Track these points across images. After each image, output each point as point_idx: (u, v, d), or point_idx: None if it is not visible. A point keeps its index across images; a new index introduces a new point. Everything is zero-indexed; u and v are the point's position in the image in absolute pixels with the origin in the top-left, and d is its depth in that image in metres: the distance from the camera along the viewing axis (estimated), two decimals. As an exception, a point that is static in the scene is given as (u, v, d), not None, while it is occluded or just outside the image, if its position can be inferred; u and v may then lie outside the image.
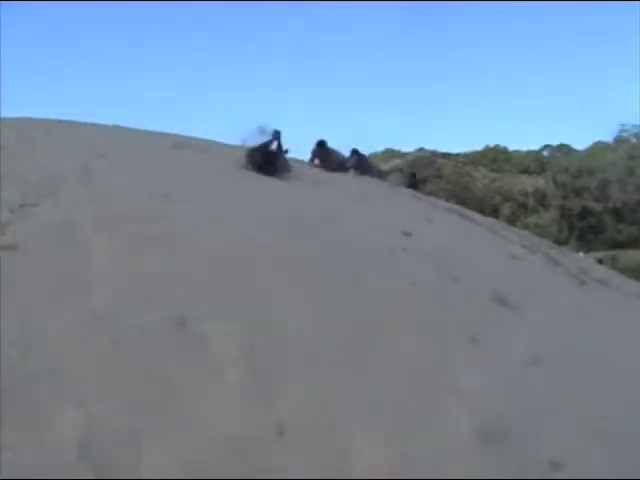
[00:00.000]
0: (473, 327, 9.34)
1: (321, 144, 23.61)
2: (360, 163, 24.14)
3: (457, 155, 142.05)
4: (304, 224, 11.89)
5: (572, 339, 10.45)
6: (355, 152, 24.42)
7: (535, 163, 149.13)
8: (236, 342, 6.85)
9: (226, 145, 21.30)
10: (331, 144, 23.67)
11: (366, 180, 22.65)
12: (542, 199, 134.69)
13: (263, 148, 17.38)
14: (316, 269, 9.71)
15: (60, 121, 25.17)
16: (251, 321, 7.43)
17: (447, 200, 33.87)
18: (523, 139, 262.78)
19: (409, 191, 26.87)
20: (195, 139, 21.27)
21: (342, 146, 24.51)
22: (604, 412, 8.04)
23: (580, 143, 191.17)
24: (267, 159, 16.96)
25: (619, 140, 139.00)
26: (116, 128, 24.79)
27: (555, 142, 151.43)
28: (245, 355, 6.67)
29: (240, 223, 11.04)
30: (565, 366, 9.10)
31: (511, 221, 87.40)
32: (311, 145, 23.98)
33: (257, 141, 17.78)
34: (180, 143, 18.01)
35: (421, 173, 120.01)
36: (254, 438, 5.58)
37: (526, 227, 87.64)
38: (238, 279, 8.59)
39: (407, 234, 13.33)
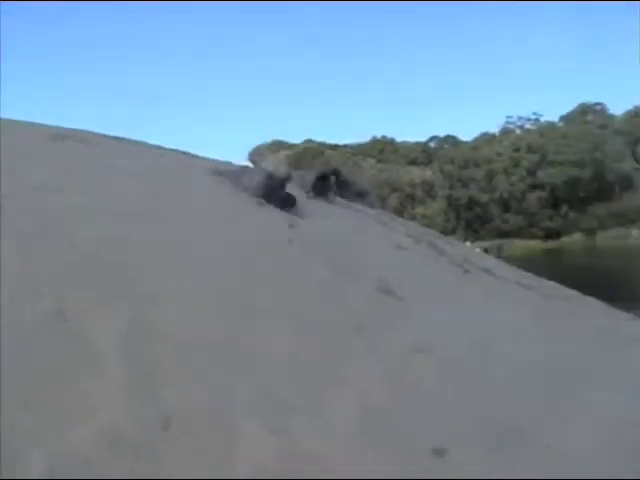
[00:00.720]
0: (359, 317, 9.49)
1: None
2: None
3: (345, 146, 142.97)
4: (193, 218, 11.85)
5: (456, 328, 10.70)
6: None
7: (422, 154, 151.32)
8: (119, 336, 6.79)
9: (104, 135, 20.89)
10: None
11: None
12: (429, 190, 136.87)
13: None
14: (202, 261, 9.70)
15: None
16: (134, 315, 7.37)
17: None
18: (410, 130, 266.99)
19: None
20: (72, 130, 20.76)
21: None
22: (488, 399, 8.28)
23: (467, 134, 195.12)
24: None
25: (505, 131, 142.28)
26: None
27: (442, 133, 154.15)
28: (128, 349, 6.62)
29: (124, 217, 10.92)
30: (449, 354, 9.34)
31: (399, 212, 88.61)
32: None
33: None
34: (57, 135, 17.62)
35: (309, 165, 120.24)
36: (139, 432, 5.57)
37: (414, 218, 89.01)
38: (121, 273, 8.51)
39: (292, 225, 13.42)
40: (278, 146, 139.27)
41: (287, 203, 15.67)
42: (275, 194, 15.59)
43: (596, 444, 7.88)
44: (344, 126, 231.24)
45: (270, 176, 16.04)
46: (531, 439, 7.42)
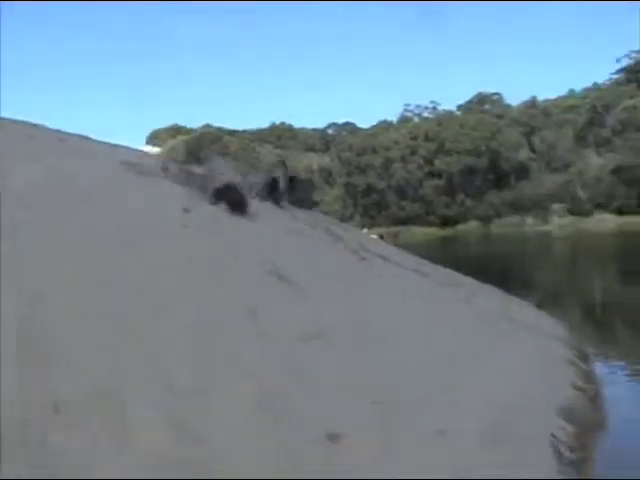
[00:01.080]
0: (252, 301, 9.52)
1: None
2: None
3: (244, 132, 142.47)
4: (81, 200, 11.67)
5: (351, 313, 10.84)
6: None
7: (320, 141, 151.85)
8: (9, 319, 6.67)
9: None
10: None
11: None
12: (327, 176, 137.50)
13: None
14: (96, 243, 9.58)
15: None
16: (25, 296, 7.25)
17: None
18: (309, 117, 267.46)
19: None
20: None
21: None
22: (383, 383, 8.43)
23: (365, 122, 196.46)
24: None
25: (403, 119, 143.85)
26: None
27: (340, 120, 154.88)
28: (20, 333, 6.51)
29: (22, 201, 10.70)
30: (344, 339, 9.44)
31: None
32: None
33: None
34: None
35: (207, 150, 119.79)
36: (30, 416, 5.50)
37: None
38: (11, 253, 8.35)
39: (187, 210, 13.39)
40: (176, 130, 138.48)
41: (239, 206, 15.73)
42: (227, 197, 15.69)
43: (483, 429, 8.13)
44: (243, 112, 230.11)
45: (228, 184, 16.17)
46: (422, 424, 7.61)
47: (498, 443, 7.70)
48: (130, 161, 15.76)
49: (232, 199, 15.43)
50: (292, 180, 22.10)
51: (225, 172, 17.20)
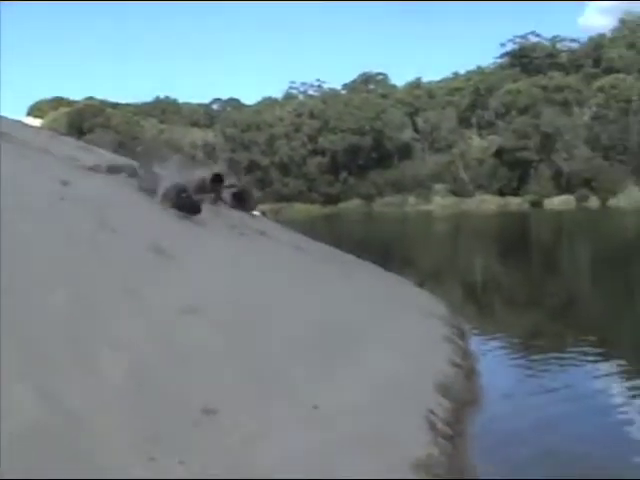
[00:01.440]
0: (129, 277, 9.35)
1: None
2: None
3: (128, 105, 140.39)
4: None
5: (229, 288, 10.78)
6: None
7: (205, 116, 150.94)
8: None
9: None
10: None
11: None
12: (211, 152, 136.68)
13: None
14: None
15: None
16: None
17: (115, 151, 33.36)
18: (193, 92, 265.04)
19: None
20: None
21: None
22: (260, 359, 8.39)
23: (250, 98, 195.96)
24: None
25: (288, 97, 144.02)
26: None
27: (225, 96, 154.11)
28: None
29: None
30: (222, 314, 9.38)
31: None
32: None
33: None
34: None
35: (89, 122, 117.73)
36: None
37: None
38: None
39: (65, 183, 13.04)
40: (58, 102, 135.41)
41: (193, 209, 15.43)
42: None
43: (359, 404, 8.17)
44: (128, 85, 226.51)
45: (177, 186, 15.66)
46: (297, 399, 7.60)
47: (373, 418, 7.75)
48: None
49: (185, 204, 15.05)
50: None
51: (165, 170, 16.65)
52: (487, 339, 15.55)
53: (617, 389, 11.98)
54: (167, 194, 15.43)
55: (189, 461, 5.54)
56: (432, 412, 8.82)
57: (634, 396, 11.59)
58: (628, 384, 12.34)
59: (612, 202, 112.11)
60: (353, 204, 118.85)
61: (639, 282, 27.13)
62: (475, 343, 14.80)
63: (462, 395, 10.30)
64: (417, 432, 8.02)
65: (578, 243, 50.75)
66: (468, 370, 11.93)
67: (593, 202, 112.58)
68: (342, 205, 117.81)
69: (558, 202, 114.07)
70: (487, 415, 10.17)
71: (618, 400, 11.42)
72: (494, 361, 13.69)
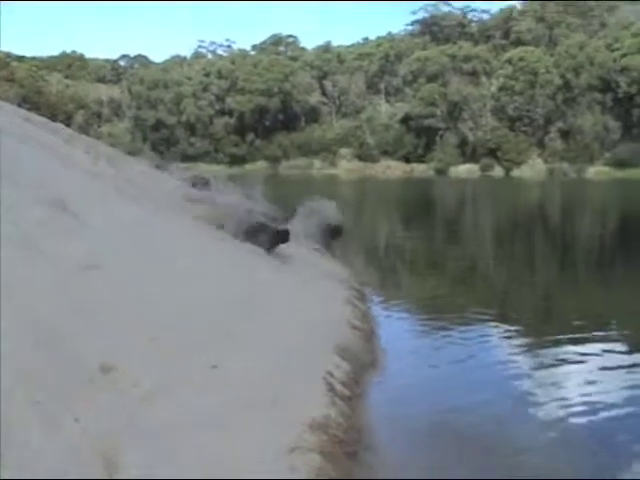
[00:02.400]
0: (29, 232, 9.15)
1: None
2: None
3: (33, 59, 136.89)
4: None
5: (132, 246, 10.67)
6: None
7: (112, 72, 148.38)
8: None
9: None
10: None
11: None
12: (117, 109, 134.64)
13: None
14: None
15: None
16: None
17: (19, 105, 32.59)
18: (100, 47, 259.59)
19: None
20: None
21: None
22: (161, 318, 8.35)
23: (158, 56, 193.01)
24: None
25: (196, 56, 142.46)
26: None
27: (133, 53, 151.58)
28: None
29: None
30: (124, 271, 9.28)
31: (84, 129, 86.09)
32: None
33: None
34: None
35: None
36: None
37: (99, 136, 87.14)
38: None
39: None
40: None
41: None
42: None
43: (259, 365, 8.21)
44: (33, 38, 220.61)
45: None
46: (197, 359, 7.60)
47: (272, 379, 7.81)
48: None
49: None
50: None
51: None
52: (388, 303, 15.76)
53: (512, 349, 12.34)
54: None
55: (84, 418, 5.49)
56: (330, 374, 8.90)
57: (523, 352, 12.03)
58: (521, 342, 12.75)
59: (516, 172, 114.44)
60: (259, 166, 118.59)
61: (539, 248, 27.89)
62: (376, 307, 14.98)
63: (361, 357, 10.47)
64: (315, 394, 8.09)
65: (481, 210, 51.69)
66: (368, 333, 12.13)
67: (497, 171, 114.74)
68: (248, 166, 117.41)
69: (463, 170, 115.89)
70: (385, 377, 10.34)
71: (511, 358, 11.80)
72: (395, 324, 13.93)
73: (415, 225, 37.19)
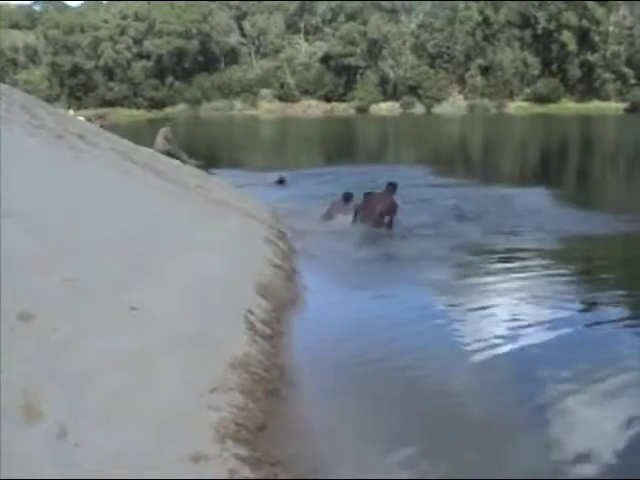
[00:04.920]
0: None
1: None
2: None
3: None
4: None
5: (45, 191, 10.43)
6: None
7: (26, 17, 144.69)
8: None
9: None
10: None
11: None
12: (33, 55, 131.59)
13: None
14: None
15: None
16: None
17: None
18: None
19: None
20: None
21: None
22: (77, 262, 8.19)
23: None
24: None
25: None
26: None
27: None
28: None
29: None
30: (38, 217, 9.07)
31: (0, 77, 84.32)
32: None
33: None
34: None
35: None
36: None
37: (16, 84, 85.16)
38: None
39: None
40: None
41: None
42: None
43: (178, 305, 8.13)
44: None
45: None
46: (115, 301, 7.47)
47: (192, 320, 7.76)
48: None
49: None
50: None
51: None
52: (309, 240, 15.69)
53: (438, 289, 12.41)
54: None
55: (6, 369, 5.37)
56: (251, 312, 8.85)
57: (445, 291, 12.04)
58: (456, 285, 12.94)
59: (437, 109, 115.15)
60: (179, 109, 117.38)
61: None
62: (298, 245, 14.94)
63: (281, 295, 10.46)
64: (236, 333, 8.04)
65: (403, 146, 52.03)
66: (288, 271, 12.09)
67: (418, 109, 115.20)
68: (168, 110, 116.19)
69: (384, 108, 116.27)
70: (307, 314, 10.34)
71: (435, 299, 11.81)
72: (317, 262, 13.88)
73: (337, 162, 37.28)
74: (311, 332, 9.68)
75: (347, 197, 18.82)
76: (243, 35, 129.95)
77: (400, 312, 10.84)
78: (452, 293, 11.90)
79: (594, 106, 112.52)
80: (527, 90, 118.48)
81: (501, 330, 9.81)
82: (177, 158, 22.29)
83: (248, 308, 8.96)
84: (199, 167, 22.63)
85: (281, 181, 27.22)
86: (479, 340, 9.44)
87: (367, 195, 18.22)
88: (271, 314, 9.43)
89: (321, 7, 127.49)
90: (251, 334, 8.22)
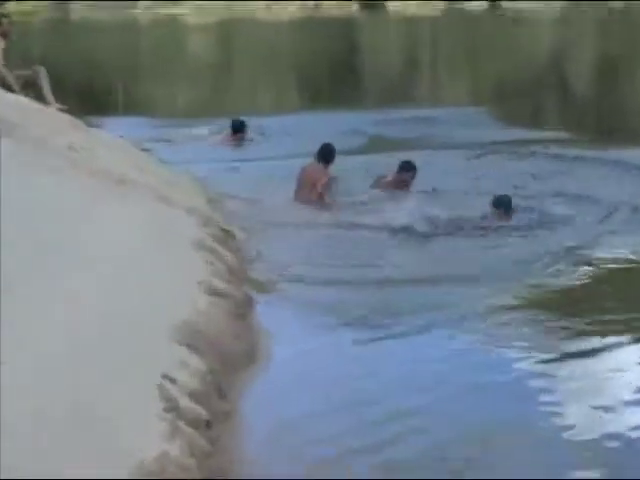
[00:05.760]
0: None
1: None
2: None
3: None
4: None
5: None
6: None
7: None
8: None
9: None
10: None
11: None
12: None
13: None
14: None
15: None
16: None
17: None
18: None
19: None
20: None
21: None
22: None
23: None
24: None
25: None
26: None
27: None
28: None
29: None
30: None
31: None
32: None
33: None
34: None
35: None
36: None
37: None
38: None
39: None
40: None
41: None
42: None
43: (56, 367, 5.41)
44: None
45: None
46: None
47: (61, 399, 4.63)
48: None
49: None
50: None
51: None
52: (280, 242, 10.82)
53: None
54: None
55: None
56: (171, 379, 5.58)
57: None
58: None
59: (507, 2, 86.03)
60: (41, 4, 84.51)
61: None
62: (255, 251, 10.27)
63: (226, 345, 6.97)
64: (141, 419, 5.00)
65: (449, 72, 34.45)
66: (238, 301, 7.72)
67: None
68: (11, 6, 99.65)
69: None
70: (270, 377, 7.17)
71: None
72: (289, 282, 9.16)
73: (327, 102, 25.74)
74: (277, 411, 6.16)
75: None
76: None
77: (428, 361, 7.18)
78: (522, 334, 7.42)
79: None
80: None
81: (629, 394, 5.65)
82: (13, 90, 14.80)
83: (164, 372, 5.76)
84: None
85: (238, 129, 18.32)
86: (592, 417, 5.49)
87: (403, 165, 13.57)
88: (207, 380, 6.10)
89: None
90: (171, 420, 5.26)
